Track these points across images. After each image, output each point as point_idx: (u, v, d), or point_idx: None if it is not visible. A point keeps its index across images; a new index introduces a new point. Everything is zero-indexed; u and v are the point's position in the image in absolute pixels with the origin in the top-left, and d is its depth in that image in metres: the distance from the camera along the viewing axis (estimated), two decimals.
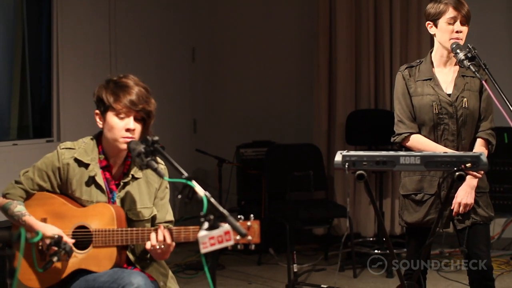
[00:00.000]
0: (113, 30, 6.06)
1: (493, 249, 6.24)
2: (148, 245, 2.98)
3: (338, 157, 2.96)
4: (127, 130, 3.03)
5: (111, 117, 3.06)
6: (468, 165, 2.90)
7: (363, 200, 6.52)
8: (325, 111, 6.69)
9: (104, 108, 3.08)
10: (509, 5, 6.52)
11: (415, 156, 2.92)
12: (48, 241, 2.99)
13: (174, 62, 7.03)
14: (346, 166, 2.93)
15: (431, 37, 3.74)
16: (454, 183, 3.08)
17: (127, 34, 6.24)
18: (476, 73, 3.37)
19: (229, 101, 7.38)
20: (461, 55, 3.40)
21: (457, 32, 3.56)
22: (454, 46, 3.49)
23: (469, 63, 3.37)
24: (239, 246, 2.77)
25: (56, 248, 2.96)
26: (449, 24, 3.58)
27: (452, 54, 3.58)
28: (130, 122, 3.04)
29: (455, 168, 2.91)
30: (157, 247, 2.96)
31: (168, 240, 2.96)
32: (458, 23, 3.57)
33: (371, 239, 6.52)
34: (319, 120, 6.71)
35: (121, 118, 3.05)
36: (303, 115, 7.06)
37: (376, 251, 6.00)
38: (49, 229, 3.03)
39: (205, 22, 7.37)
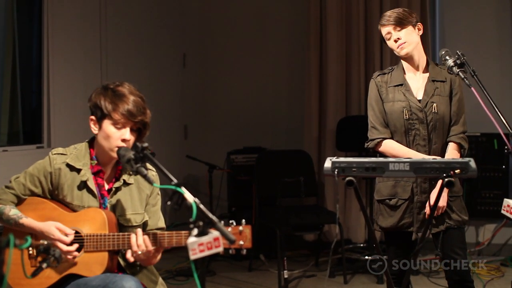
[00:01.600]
0: (104, 36, 6.06)
1: (483, 255, 6.29)
2: (128, 254, 2.97)
3: (327, 164, 2.97)
4: (123, 140, 3.03)
5: (107, 126, 3.04)
6: (457, 171, 2.91)
7: (354, 206, 6.53)
8: (315, 117, 6.71)
9: (101, 115, 3.06)
10: (499, 13, 6.54)
11: (404, 162, 2.93)
12: (37, 248, 2.99)
13: (165, 68, 7.03)
14: (336, 172, 2.94)
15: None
16: (442, 189, 3.09)
17: (117, 40, 6.24)
18: (465, 79, 3.40)
19: (220, 107, 7.39)
20: (450, 62, 3.44)
21: (395, 41, 3.70)
22: (443, 53, 3.53)
23: (458, 70, 3.41)
24: (230, 251, 2.77)
25: (45, 255, 2.95)
26: (388, 40, 3.73)
27: (419, 60, 3.71)
28: (126, 133, 3.03)
29: (444, 174, 2.91)
30: (139, 252, 2.95)
31: (149, 245, 2.93)
32: (393, 33, 3.70)
33: (361, 245, 6.54)
34: (310, 127, 6.73)
35: (118, 128, 3.04)
36: (294, 122, 7.08)
37: (366, 257, 6.01)
38: (50, 226, 3.01)
39: (195, 28, 7.38)
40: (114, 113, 3.02)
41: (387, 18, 3.70)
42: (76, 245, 3.02)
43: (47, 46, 5.48)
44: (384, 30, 3.72)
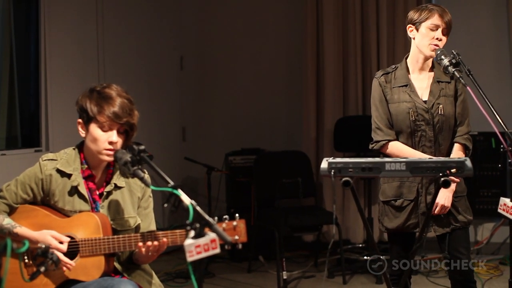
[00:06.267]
0: (101, 39, 6.07)
1: (482, 253, 6.29)
2: (142, 247, 2.97)
3: (324, 164, 2.96)
4: (110, 143, 3.02)
5: (94, 128, 3.04)
6: (453, 170, 2.92)
7: (352, 207, 6.53)
8: (313, 118, 6.71)
9: (87, 118, 3.05)
10: (495, 13, 6.54)
11: (400, 162, 2.93)
12: (35, 251, 2.98)
13: (163, 71, 7.04)
14: (332, 173, 2.94)
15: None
16: (439, 189, 3.09)
17: (115, 42, 6.24)
18: (461, 79, 3.40)
19: (218, 109, 7.39)
20: (446, 61, 3.44)
21: (437, 39, 3.59)
22: (438, 52, 3.52)
23: (453, 69, 3.41)
24: (226, 246, 2.74)
25: (43, 258, 2.95)
26: (431, 30, 3.60)
27: (425, 60, 3.66)
28: (113, 135, 3.02)
29: (440, 174, 2.92)
30: (150, 253, 2.97)
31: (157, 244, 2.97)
32: (439, 30, 3.60)
33: (360, 245, 6.54)
34: (308, 127, 6.73)
35: (104, 131, 3.03)
36: (292, 123, 7.08)
37: (365, 257, 6.01)
38: (45, 235, 2.99)
39: (193, 31, 7.38)
40: (100, 116, 3.00)
41: (446, 16, 3.60)
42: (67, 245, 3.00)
43: (45, 50, 5.49)
44: (435, 19, 3.58)
